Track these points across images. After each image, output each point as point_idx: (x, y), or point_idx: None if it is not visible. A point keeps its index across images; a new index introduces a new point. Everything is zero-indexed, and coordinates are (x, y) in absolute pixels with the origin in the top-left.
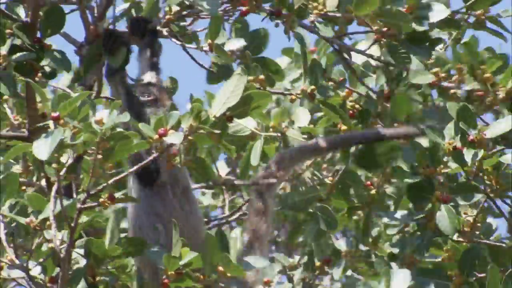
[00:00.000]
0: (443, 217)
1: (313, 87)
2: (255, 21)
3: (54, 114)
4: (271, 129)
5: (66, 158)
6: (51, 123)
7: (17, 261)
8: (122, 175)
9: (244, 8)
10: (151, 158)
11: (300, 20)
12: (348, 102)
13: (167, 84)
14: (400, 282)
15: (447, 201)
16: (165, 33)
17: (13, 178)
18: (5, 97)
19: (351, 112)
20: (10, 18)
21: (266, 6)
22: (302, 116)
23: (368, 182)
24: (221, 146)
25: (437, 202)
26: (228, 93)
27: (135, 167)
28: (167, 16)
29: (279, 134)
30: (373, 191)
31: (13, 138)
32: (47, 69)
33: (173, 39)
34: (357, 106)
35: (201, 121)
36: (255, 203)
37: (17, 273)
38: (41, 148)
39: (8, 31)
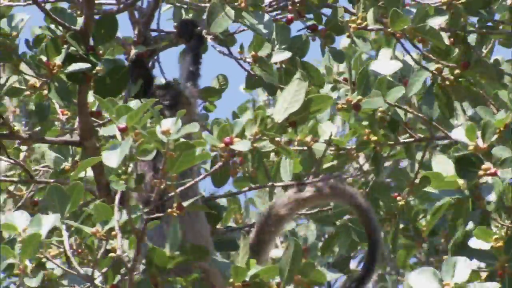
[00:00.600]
0: (490, 190)
1: (359, 97)
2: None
3: (121, 126)
4: (296, 143)
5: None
6: (118, 134)
7: (81, 271)
8: (188, 184)
9: (289, 16)
10: (217, 166)
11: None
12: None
13: (196, 92)
14: (462, 268)
15: (495, 174)
16: (209, 40)
17: (78, 188)
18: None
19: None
20: (63, 27)
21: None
22: (328, 129)
23: (396, 194)
24: (282, 151)
25: (485, 175)
26: (289, 98)
27: (201, 176)
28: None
29: (305, 148)
30: (401, 202)
31: (66, 144)
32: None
33: (216, 45)
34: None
35: (266, 127)
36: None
37: (81, 283)
38: (111, 158)
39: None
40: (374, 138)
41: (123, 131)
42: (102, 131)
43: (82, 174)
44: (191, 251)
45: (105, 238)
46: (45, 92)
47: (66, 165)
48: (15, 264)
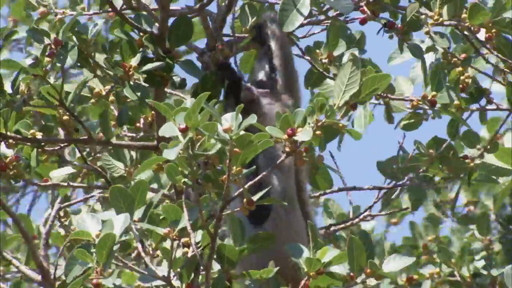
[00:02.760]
0: None
1: (434, 93)
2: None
3: (182, 126)
4: None
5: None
6: (179, 135)
7: (157, 271)
8: (257, 178)
9: (362, 16)
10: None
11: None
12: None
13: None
14: None
15: None
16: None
17: (142, 186)
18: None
19: (461, 86)
20: (139, 30)
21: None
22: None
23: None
24: (346, 132)
25: None
26: (345, 81)
27: (269, 169)
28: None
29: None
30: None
31: (143, 148)
32: (176, 79)
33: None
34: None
35: (327, 114)
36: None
37: (158, 283)
38: (171, 152)
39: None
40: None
41: (184, 131)
42: (161, 131)
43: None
44: (256, 240)
45: (177, 238)
46: (111, 98)
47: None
48: (91, 268)
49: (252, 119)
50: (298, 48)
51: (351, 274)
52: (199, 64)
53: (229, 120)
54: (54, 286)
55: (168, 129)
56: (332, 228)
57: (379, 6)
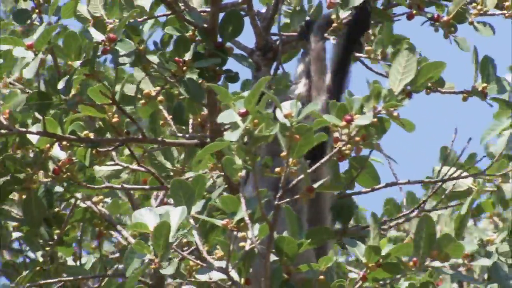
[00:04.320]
0: None
1: (484, 84)
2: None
3: (242, 110)
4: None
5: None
6: (238, 120)
7: (215, 264)
8: (315, 166)
9: (408, 11)
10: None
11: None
12: None
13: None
14: None
15: None
16: (332, 41)
17: (201, 180)
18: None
19: None
20: (191, 24)
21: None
22: None
23: None
24: (398, 123)
25: None
26: (401, 69)
27: (326, 157)
28: (334, 24)
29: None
30: None
31: (197, 146)
32: (230, 73)
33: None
34: None
35: (385, 99)
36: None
37: (217, 276)
38: (232, 135)
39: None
40: None
41: (244, 115)
42: (220, 118)
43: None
44: (315, 234)
45: (236, 229)
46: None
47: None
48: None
49: (314, 106)
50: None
51: (414, 259)
52: None
53: (288, 107)
54: None
55: (227, 116)
56: (386, 224)
57: (424, 0)
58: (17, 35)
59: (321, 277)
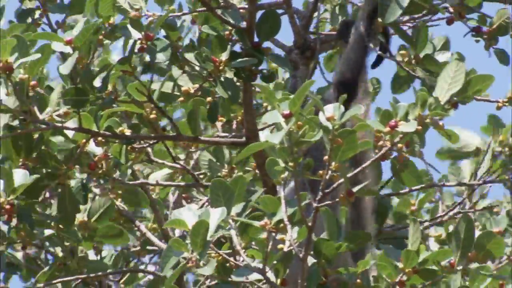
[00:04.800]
0: None
1: None
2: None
3: (286, 112)
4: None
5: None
6: (282, 121)
7: (253, 264)
8: (357, 169)
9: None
10: (383, 150)
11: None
12: None
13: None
14: None
15: None
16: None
17: (241, 181)
18: None
19: None
20: (228, 24)
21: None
22: None
23: None
24: (443, 133)
25: None
26: (449, 79)
27: (367, 162)
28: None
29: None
30: None
31: (232, 144)
32: (266, 72)
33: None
34: None
35: (430, 108)
36: None
37: (254, 276)
38: (274, 136)
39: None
40: None
41: (287, 117)
42: (264, 118)
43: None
44: (354, 238)
45: (274, 230)
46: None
47: (224, 171)
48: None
49: (358, 109)
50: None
51: (451, 261)
52: None
53: (331, 110)
54: None
55: (271, 116)
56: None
57: (465, 7)
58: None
59: (358, 280)
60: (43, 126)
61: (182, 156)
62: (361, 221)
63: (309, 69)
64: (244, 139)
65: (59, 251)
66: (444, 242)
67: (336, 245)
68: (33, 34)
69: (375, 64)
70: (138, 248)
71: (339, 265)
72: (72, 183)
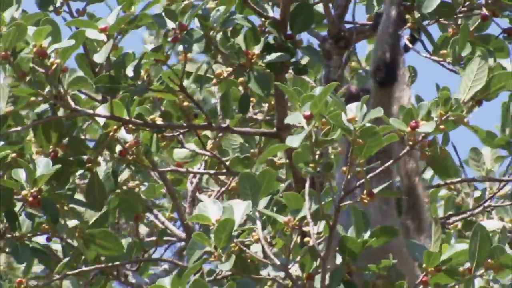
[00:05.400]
0: None
1: None
2: None
3: (307, 113)
4: None
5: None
6: (304, 122)
7: (276, 260)
8: (377, 170)
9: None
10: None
11: None
12: None
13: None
14: None
15: None
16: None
17: (269, 175)
18: None
19: None
20: (261, 16)
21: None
22: None
23: None
24: (470, 129)
25: None
26: (472, 76)
27: (390, 161)
28: (408, 24)
29: None
30: None
31: (263, 135)
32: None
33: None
34: None
35: (451, 108)
36: None
37: (275, 272)
38: (294, 140)
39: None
40: None
41: (308, 118)
42: (287, 119)
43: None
44: (380, 233)
45: (297, 227)
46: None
47: (252, 151)
48: (210, 252)
49: (379, 112)
50: (424, 48)
51: (469, 267)
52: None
53: (353, 110)
54: None
55: (293, 117)
56: (451, 219)
57: (498, 6)
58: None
59: (378, 281)
60: (74, 112)
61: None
62: (417, 208)
63: (343, 59)
64: (275, 129)
65: (77, 241)
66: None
67: (362, 241)
68: (69, 21)
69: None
70: (155, 238)
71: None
72: (101, 169)
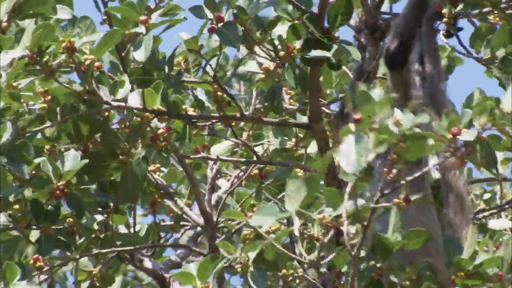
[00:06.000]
0: None
1: None
2: None
3: (357, 117)
4: None
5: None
6: (352, 125)
7: (306, 256)
8: (417, 174)
9: None
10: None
11: None
12: None
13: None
14: None
15: None
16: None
17: (314, 181)
18: None
19: None
20: (299, 9)
21: None
22: None
23: None
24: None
25: None
26: None
27: (428, 167)
28: (444, 19)
29: None
30: None
31: (294, 126)
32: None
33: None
34: None
35: (494, 118)
36: None
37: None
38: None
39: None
40: None
41: (357, 121)
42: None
43: None
44: (414, 236)
45: (331, 225)
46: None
47: (289, 143)
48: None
49: (424, 118)
50: (459, 43)
51: (500, 273)
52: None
53: (400, 115)
54: (215, 232)
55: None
56: (481, 214)
57: None
58: None
59: (407, 282)
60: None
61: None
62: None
63: (378, 51)
64: (307, 121)
65: (94, 224)
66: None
67: (395, 243)
68: (109, 7)
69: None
70: (172, 222)
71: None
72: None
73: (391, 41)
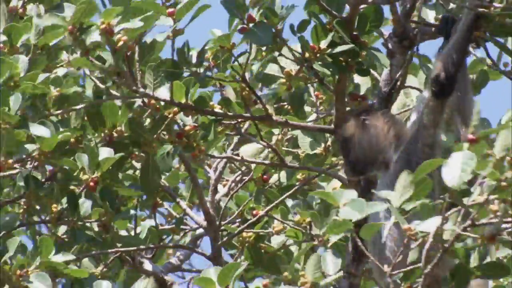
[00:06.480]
0: None
1: None
2: None
3: (471, 137)
4: None
5: None
6: (465, 145)
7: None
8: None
9: None
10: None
11: None
12: None
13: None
14: None
15: None
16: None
17: (426, 183)
18: None
19: None
20: (330, 14)
21: None
22: None
23: None
24: None
25: None
26: None
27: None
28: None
29: None
30: None
31: (320, 131)
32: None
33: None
34: None
35: None
36: None
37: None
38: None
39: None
40: None
41: (473, 142)
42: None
43: None
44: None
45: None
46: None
47: (319, 149)
48: None
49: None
50: (487, 56)
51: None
52: (384, 50)
53: None
54: (217, 233)
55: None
56: None
57: None
58: None
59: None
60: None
61: (276, 131)
62: None
63: (406, 59)
64: (332, 126)
65: (94, 225)
66: None
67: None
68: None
69: None
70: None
71: None
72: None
73: (441, 70)
